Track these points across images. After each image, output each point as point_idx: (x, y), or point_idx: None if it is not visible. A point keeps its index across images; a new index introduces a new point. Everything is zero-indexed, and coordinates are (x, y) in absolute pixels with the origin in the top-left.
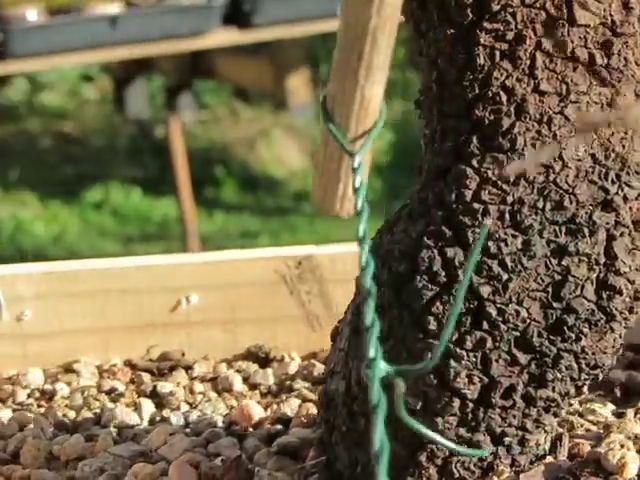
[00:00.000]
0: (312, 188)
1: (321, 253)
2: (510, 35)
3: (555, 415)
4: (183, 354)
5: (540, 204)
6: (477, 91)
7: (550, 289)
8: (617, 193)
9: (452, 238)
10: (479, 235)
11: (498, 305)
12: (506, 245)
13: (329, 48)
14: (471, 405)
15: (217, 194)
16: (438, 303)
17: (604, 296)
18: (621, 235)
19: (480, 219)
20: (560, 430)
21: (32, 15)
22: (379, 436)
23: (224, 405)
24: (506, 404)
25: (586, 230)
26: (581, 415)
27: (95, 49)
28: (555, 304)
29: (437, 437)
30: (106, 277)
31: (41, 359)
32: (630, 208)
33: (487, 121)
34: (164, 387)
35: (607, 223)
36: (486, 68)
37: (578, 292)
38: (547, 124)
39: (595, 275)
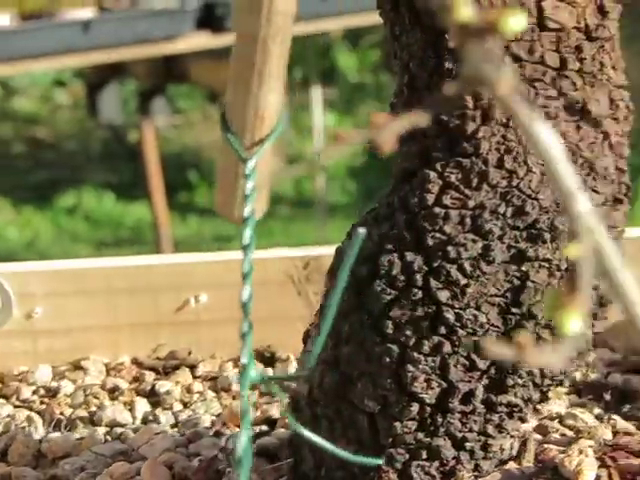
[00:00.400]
0: (214, 194)
1: (328, 254)
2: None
3: (521, 420)
4: (190, 353)
5: (502, 209)
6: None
7: (509, 294)
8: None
9: (413, 242)
10: (438, 240)
11: (456, 310)
12: (465, 250)
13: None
14: (430, 410)
15: (190, 198)
16: (396, 307)
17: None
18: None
19: (441, 224)
20: (527, 435)
21: (4, 20)
22: (243, 442)
23: (219, 405)
24: (466, 409)
25: (547, 236)
26: (561, 420)
27: (68, 54)
28: (514, 309)
29: (325, 444)
30: (116, 276)
31: (51, 356)
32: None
33: (452, 125)
34: (162, 386)
35: (570, 229)
36: (454, 73)
37: (538, 298)
38: (513, 129)
39: (556, 281)
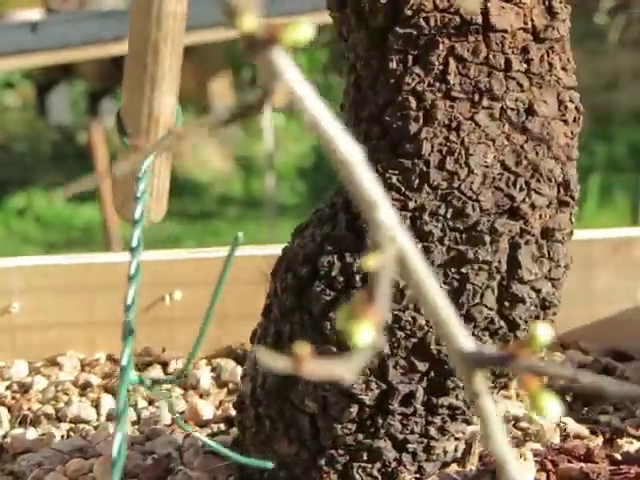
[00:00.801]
0: (112, 194)
1: None
2: (423, 40)
3: (466, 422)
4: (164, 350)
5: (442, 211)
6: (388, 96)
7: (449, 297)
8: (524, 201)
9: (353, 244)
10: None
11: (395, 312)
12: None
13: None
14: (369, 411)
15: None
16: (336, 308)
17: (506, 304)
18: (526, 243)
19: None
20: (472, 438)
21: None
22: (118, 442)
23: (184, 402)
24: (406, 411)
25: (487, 238)
26: (516, 422)
27: (16, 55)
28: (458, 312)
29: (220, 448)
30: (93, 272)
31: (28, 352)
32: (540, 216)
33: (395, 126)
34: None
35: (510, 231)
36: (398, 73)
37: (477, 300)
38: (456, 130)
39: (496, 283)
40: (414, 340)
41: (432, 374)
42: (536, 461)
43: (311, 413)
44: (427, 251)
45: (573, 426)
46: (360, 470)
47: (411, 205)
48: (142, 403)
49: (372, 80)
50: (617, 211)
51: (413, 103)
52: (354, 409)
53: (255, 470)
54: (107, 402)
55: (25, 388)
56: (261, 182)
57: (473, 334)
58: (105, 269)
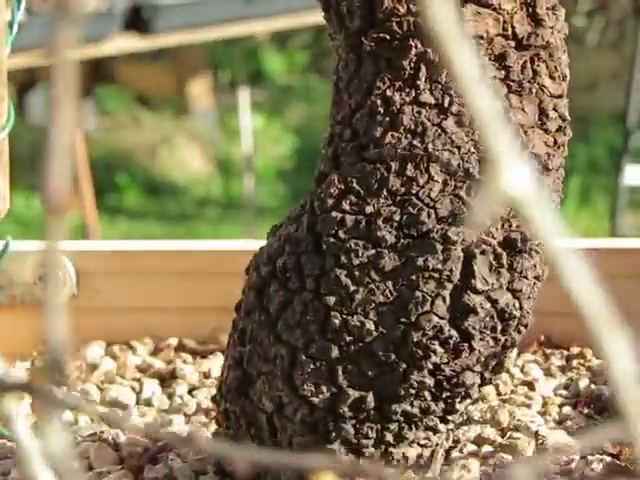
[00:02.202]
0: None
1: None
2: (395, 44)
3: (433, 430)
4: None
5: (397, 217)
6: (360, 99)
7: (398, 303)
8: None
9: (311, 246)
10: (332, 245)
11: (343, 315)
12: (356, 256)
13: (230, 53)
14: (321, 414)
15: (120, 201)
16: (289, 309)
17: (457, 314)
18: (482, 253)
19: (336, 228)
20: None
21: None
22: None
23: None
24: (359, 415)
25: (438, 246)
26: (508, 431)
27: None
28: (402, 319)
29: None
30: (172, 258)
31: (106, 334)
32: (502, 226)
33: (363, 130)
34: (183, 369)
35: (465, 240)
36: (370, 76)
37: (427, 308)
38: (421, 136)
39: (448, 292)
40: (362, 345)
41: (382, 380)
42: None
43: (269, 412)
44: (379, 257)
45: (560, 439)
46: (315, 471)
47: (368, 210)
48: (182, 390)
49: (348, 82)
50: (596, 213)
51: (381, 107)
52: (306, 410)
53: (229, 464)
54: (149, 388)
55: (91, 370)
56: (240, 184)
57: (422, 342)
58: (181, 256)
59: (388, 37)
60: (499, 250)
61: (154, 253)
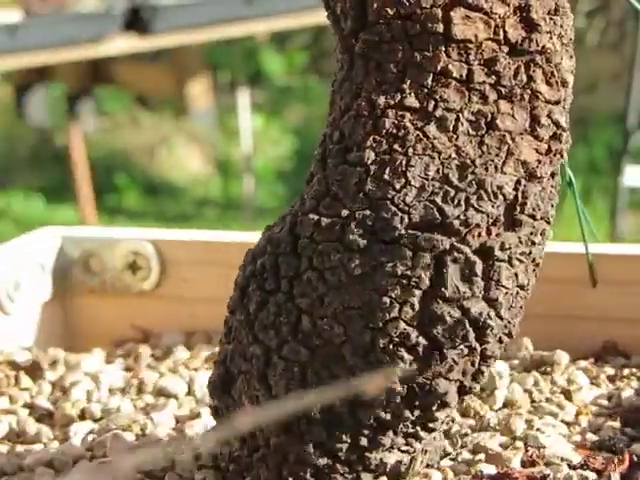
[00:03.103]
0: None
1: None
2: (384, 47)
3: (415, 437)
4: None
5: (370, 221)
6: (348, 101)
7: (366, 308)
8: (458, 217)
9: (289, 247)
10: (307, 247)
11: (313, 318)
12: (328, 259)
13: (230, 54)
14: (294, 415)
15: (119, 201)
16: (265, 309)
17: (426, 321)
18: (454, 260)
19: (311, 231)
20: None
21: None
22: None
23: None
24: (331, 419)
25: (407, 252)
26: (514, 441)
27: None
28: (370, 324)
29: None
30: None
31: (189, 322)
32: (479, 234)
33: (348, 132)
34: None
35: (435, 247)
36: (360, 78)
37: (394, 314)
38: (402, 139)
39: (417, 299)
40: (331, 349)
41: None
42: None
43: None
44: (349, 261)
45: (551, 451)
46: (292, 472)
47: (343, 213)
48: None
49: (340, 83)
50: (596, 214)
51: (366, 110)
52: None
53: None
54: (202, 380)
55: (165, 357)
56: (240, 185)
57: (389, 348)
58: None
59: (377, 39)
60: (473, 258)
61: (242, 245)
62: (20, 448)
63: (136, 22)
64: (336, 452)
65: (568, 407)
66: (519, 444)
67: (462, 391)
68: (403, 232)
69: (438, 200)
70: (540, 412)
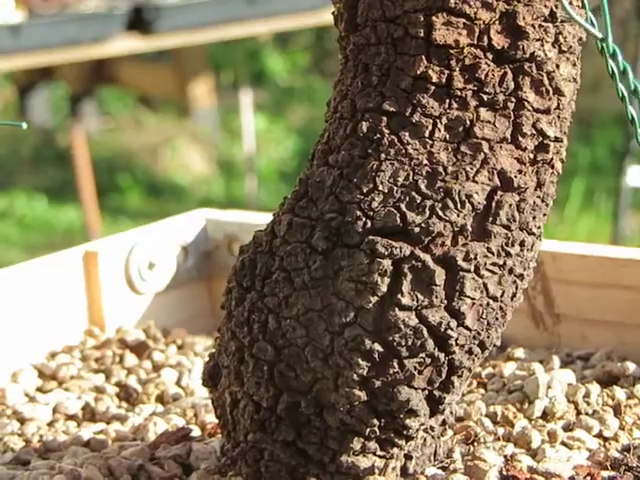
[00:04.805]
0: None
1: (544, 250)
2: (371, 49)
3: (389, 442)
4: None
5: (335, 224)
6: (336, 103)
7: (326, 312)
8: (420, 225)
9: (268, 246)
10: (280, 248)
11: (279, 318)
12: (295, 260)
13: (232, 54)
14: (265, 414)
15: (122, 201)
16: (241, 306)
17: (382, 328)
18: (412, 268)
19: (284, 232)
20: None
21: None
22: None
23: None
24: (298, 419)
25: (366, 257)
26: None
27: None
28: (330, 328)
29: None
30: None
31: None
32: (442, 243)
33: (331, 135)
34: None
35: (394, 254)
36: (349, 81)
37: (350, 319)
38: (376, 144)
39: (373, 305)
40: (296, 350)
41: (317, 387)
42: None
43: (228, 406)
44: (314, 263)
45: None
46: (268, 469)
47: (314, 214)
48: None
49: (335, 84)
50: (599, 214)
51: (348, 112)
52: (252, 408)
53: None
54: None
55: None
56: (242, 185)
57: (345, 353)
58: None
59: (365, 42)
60: (432, 267)
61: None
62: (76, 425)
63: (139, 22)
64: (307, 452)
65: (611, 422)
66: (521, 457)
67: (433, 401)
68: (364, 237)
69: (403, 207)
70: (577, 425)
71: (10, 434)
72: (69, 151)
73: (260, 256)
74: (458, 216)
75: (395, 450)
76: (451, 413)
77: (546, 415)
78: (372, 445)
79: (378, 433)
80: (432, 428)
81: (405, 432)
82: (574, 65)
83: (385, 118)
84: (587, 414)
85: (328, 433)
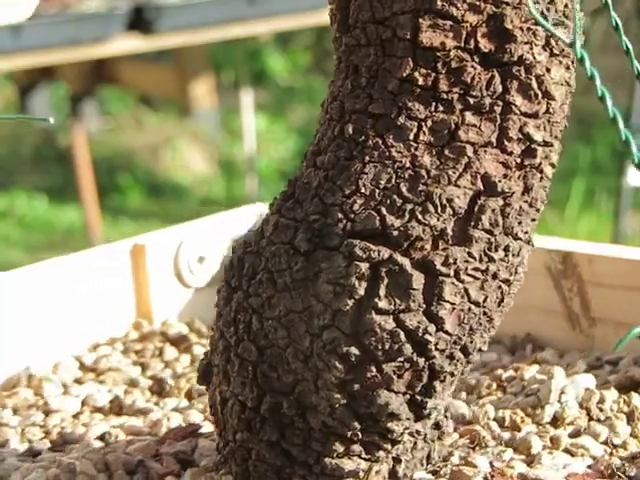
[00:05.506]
0: None
1: (580, 252)
2: (361, 51)
3: (375, 445)
4: None
5: (318, 225)
6: (327, 104)
7: (306, 313)
8: (399, 228)
9: (256, 246)
10: (265, 249)
11: (262, 319)
12: (279, 261)
13: (233, 54)
14: (249, 413)
15: (122, 201)
16: (228, 306)
17: (359, 331)
18: (389, 272)
19: (270, 232)
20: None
21: None
22: None
23: None
24: (281, 420)
25: (344, 260)
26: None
27: None
28: (309, 330)
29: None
30: None
31: None
32: (421, 247)
33: (322, 135)
34: None
35: (372, 257)
36: (340, 82)
37: (328, 321)
38: (361, 145)
39: (350, 308)
40: (278, 351)
41: (299, 388)
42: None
43: (218, 404)
44: (295, 264)
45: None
46: (256, 469)
47: (298, 216)
48: None
49: (329, 86)
50: (600, 214)
51: (337, 114)
52: (238, 407)
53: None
54: None
55: None
56: (243, 185)
57: (322, 355)
58: None
59: (355, 43)
60: (410, 271)
61: None
62: (102, 418)
63: (140, 22)
64: (291, 453)
65: (622, 429)
66: (516, 463)
67: (415, 405)
68: (343, 240)
69: (383, 210)
70: (585, 432)
71: (32, 425)
72: (70, 151)
73: (248, 256)
74: (438, 220)
75: (381, 453)
76: (446, 417)
77: (556, 420)
78: (356, 448)
79: (361, 436)
80: (418, 432)
81: (389, 436)
82: (567, 68)
83: (371, 120)
84: (599, 420)
85: (311, 435)
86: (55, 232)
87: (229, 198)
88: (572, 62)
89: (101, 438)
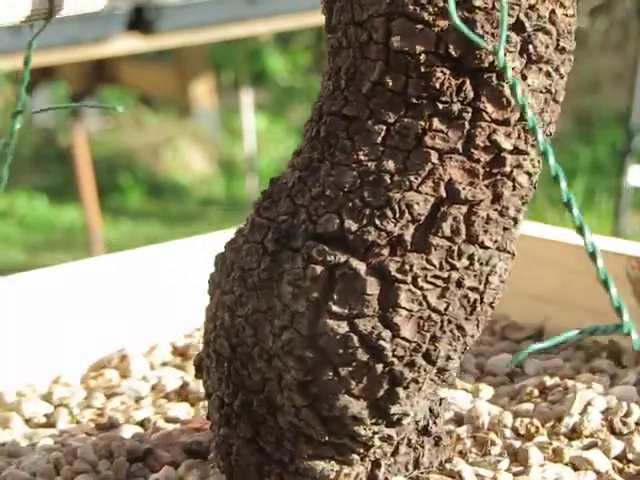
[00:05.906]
0: None
1: None
2: (343, 52)
3: (348, 448)
4: None
5: (286, 227)
6: (314, 106)
7: (270, 314)
8: (356, 233)
9: (236, 244)
10: (247, 249)
11: (233, 316)
12: (250, 260)
13: (233, 54)
14: (227, 409)
15: (123, 201)
16: (211, 301)
17: (314, 334)
18: (343, 276)
19: (247, 230)
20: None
21: None
22: None
23: None
24: (254, 417)
25: (302, 262)
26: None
27: None
28: (272, 330)
29: None
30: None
31: None
32: (377, 253)
33: (303, 137)
34: None
35: (327, 261)
36: (325, 83)
37: (287, 323)
38: (332, 147)
39: (306, 310)
40: (246, 349)
41: (267, 387)
42: None
43: (204, 399)
44: (262, 264)
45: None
46: (238, 464)
47: (272, 216)
48: None
49: (320, 86)
50: (600, 214)
51: (316, 115)
52: (217, 402)
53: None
54: None
55: None
56: (243, 185)
57: (280, 356)
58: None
59: (338, 45)
60: (364, 276)
61: None
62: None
63: (140, 22)
64: (266, 450)
65: (639, 445)
66: (502, 474)
67: (380, 410)
68: (303, 242)
69: (344, 213)
70: (598, 446)
71: (87, 407)
72: (70, 151)
73: (229, 253)
74: (395, 226)
75: (355, 456)
76: (435, 424)
77: (574, 432)
78: (327, 449)
79: (330, 438)
80: (390, 437)
81: (358, 439)
82: (548, 75)
83: (344, 122)
84: (621, 434)
85: (283, 434)
86: (55, 232)
87: (229, 198)
88: (555, 69)
89: (140, 424)
